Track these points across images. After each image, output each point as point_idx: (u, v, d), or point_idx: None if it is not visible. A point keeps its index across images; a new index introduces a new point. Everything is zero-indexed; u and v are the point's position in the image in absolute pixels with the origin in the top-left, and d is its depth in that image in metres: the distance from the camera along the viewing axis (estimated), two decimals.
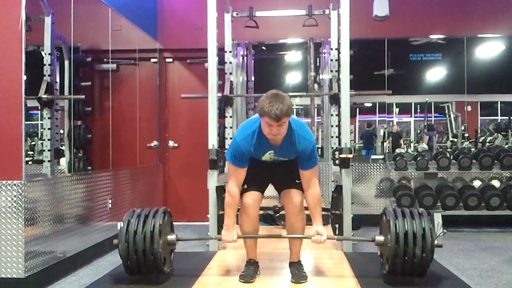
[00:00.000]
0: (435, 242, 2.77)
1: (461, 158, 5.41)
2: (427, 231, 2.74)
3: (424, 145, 6.92)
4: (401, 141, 7.04)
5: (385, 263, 2.90)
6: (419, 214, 2.84)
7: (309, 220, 2.99)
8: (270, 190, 3.09)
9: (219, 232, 3.81)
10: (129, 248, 2.85)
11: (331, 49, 4.84)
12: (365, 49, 6.10)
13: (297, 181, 2.93)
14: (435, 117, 7.32)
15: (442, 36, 6.38)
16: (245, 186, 2.95)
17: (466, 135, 6.87)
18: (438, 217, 5.04)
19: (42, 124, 3.94)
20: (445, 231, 3.84)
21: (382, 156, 6.25)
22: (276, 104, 2.57)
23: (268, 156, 2.87)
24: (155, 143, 6.05)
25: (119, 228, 2.95)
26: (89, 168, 4.59)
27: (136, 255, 2.84)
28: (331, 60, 4.85)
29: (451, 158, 5.53)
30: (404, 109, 7.34)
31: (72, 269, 3.75)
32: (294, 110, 2.87)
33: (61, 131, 4.23)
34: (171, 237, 3.02)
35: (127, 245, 2.86)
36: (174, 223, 3.19)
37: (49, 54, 3.86)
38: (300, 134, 2.78)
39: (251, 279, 2.89)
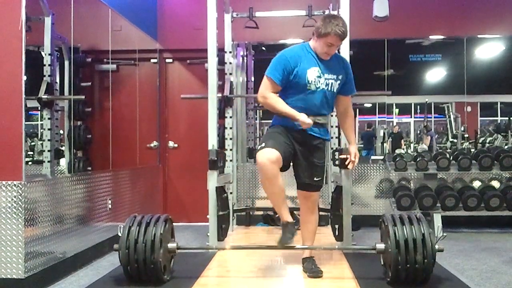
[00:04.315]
0: (436, 246, 2.77)
1: (461, 159, 5.41)
2: (426, 236, 2.74)
3: (424, 146, 6.92)
4: (402, 141, 7.04)
5: (388, 271, 2.90)
6: (417, 219, 2.84)
7: (321, 221, 3.01)
8: None
9: (219, 235, 3.78)
10: (130, 256, 2.85)
11: None
12: (365, 50, 6.09)
13: (315, 178, 2.96)
14: (435, 117, 7.32)
15: (442, 37, 6.38)
16: (263, 145, 2.74)
17: (466, 135, 6.87)
18: (438, 221, 5.00)
19: (42, 125, 3.94)
20: (445, 234, 3.85)
21: (382, 157, 6.25)
22: (340, 23, 2.71)
23: (314, 73, 2.79)
24: (155, 143, 6.05)
25: (120, 231, 2.94)
26: (89, 168, 4.59)
27: (137, 263, 2.84)
28: None
29: (451, 158, 5.52)
30: (404, 109, 7.34)
31: (72, 270, 3.75)
32: None
33: (61, 132, 4.23)
34: (172, 245, 3.02)
35: (127, 253, 2.86)
36: (174, 223, 3.18)
37: (49, 54, 3.86)
38: (344, 57, 3.06)
39: (290, 240, 2.80)
